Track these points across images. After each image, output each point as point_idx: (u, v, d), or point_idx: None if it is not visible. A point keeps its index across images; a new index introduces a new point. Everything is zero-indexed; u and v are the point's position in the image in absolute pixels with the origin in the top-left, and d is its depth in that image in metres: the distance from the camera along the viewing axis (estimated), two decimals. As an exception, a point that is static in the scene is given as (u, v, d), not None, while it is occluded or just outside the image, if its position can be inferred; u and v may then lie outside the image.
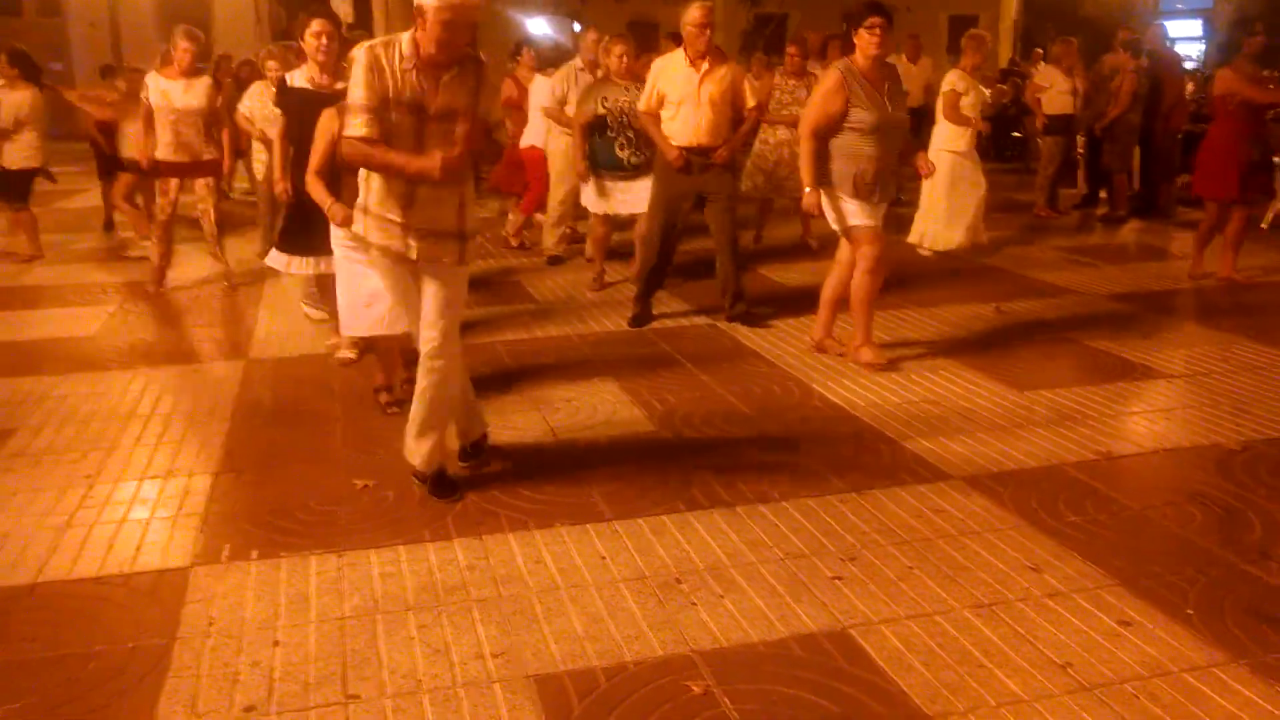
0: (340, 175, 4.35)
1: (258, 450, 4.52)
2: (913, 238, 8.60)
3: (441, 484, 4.01)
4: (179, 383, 5.48)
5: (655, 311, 6.72)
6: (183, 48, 7.01)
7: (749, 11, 23.76)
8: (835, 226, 5.53)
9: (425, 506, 3.90)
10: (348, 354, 5.72)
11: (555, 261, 8.34)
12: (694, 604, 3.18)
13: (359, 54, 3.63)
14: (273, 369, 5.73)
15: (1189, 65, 12.14)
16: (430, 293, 3.82)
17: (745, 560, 3.46)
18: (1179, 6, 26.48)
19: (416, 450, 3.99)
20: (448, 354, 3.86)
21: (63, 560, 3.52)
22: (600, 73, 7.49)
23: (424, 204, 3.72)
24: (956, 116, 8.14)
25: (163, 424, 4.86)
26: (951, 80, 8.24)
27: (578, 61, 8.03)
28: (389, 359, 5.01)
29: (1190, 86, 11.61)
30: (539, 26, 23.07)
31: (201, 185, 7.37)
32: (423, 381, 3.90)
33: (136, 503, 3.99)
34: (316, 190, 4.51)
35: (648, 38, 21.48)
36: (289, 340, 6.29)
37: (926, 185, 8.09)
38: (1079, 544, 3.54)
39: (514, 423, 4.79)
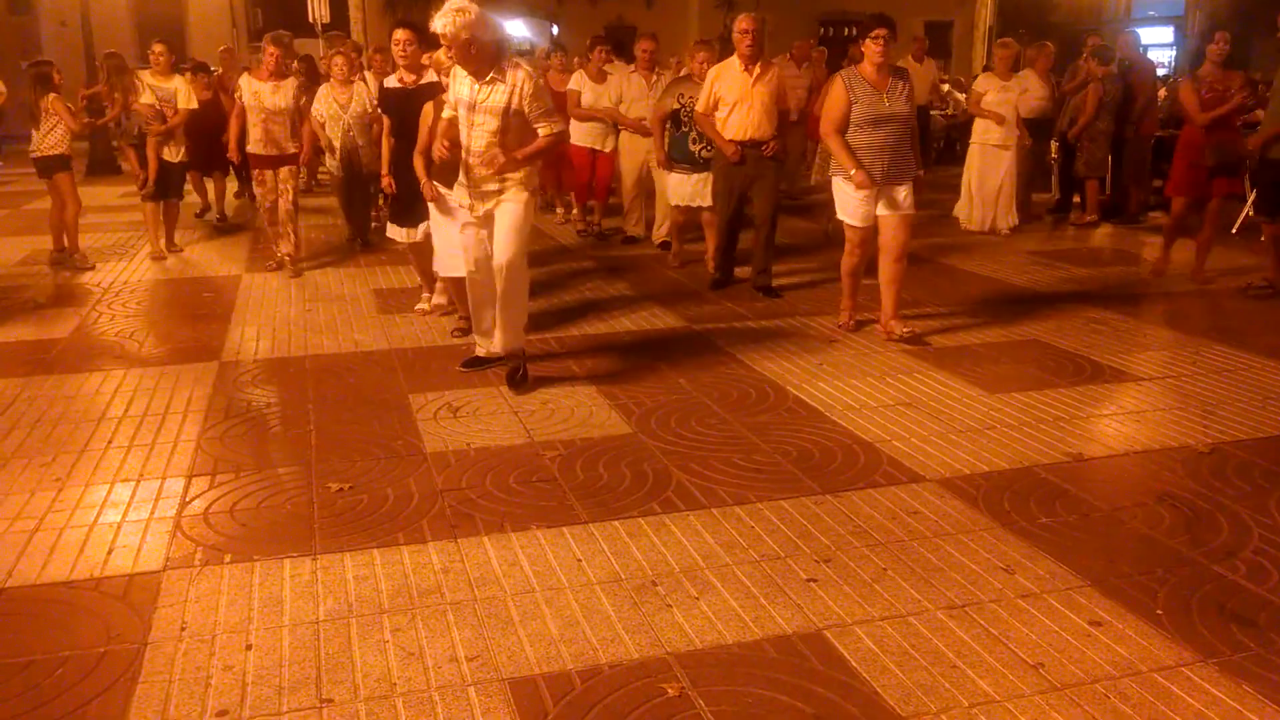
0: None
1: (231, 453, 4.49)
2: (955, 211, 10.16)
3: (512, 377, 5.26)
4: (152, 385, 5.43)
5: (642, 320, 6.75)
6: (269, 52, 7.89)
7: (725, 17, 23.89)
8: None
9: (399, 510, 3.90)
10: (424, 305, 6.84)
11: (630, 241, 9.37)
12: (669, 606, 3.19)
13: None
14: (246, 371, 5.70)
15: (1161, 72, 12.26)
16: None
17: (720, 562, 3.47)
18: (1150, 13, 26.75)
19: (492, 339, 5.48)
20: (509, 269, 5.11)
21: (32, 564, 3.49)
22: (683, 72, 8.48)
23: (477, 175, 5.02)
24: (976, 110, 9.73)
25: (135, 426, 4.82)
26: (977, 81, 10.17)
27: (632, 66, 9.08)
28: (463, 296, 5.98)
29: (1163, 93, 11.72)
30: (516, 29, 23.03)
31: (284, 171, 8.08)
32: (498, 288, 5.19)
33: (108, 506, 3.96)
34: (418, 167, 5.69)
35: (625, 41, 21.52)
36: (262, 342, 6.26)
37: (964, 170, 9.97)
38: (1050, 545, 3.57)
39: (491, 425, 4.78)
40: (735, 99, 6.94)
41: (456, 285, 6.08)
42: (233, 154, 8.52)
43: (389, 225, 6.79)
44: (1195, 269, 7.69)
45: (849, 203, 6.03)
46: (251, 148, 8.01)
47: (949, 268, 8.26)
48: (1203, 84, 7.48)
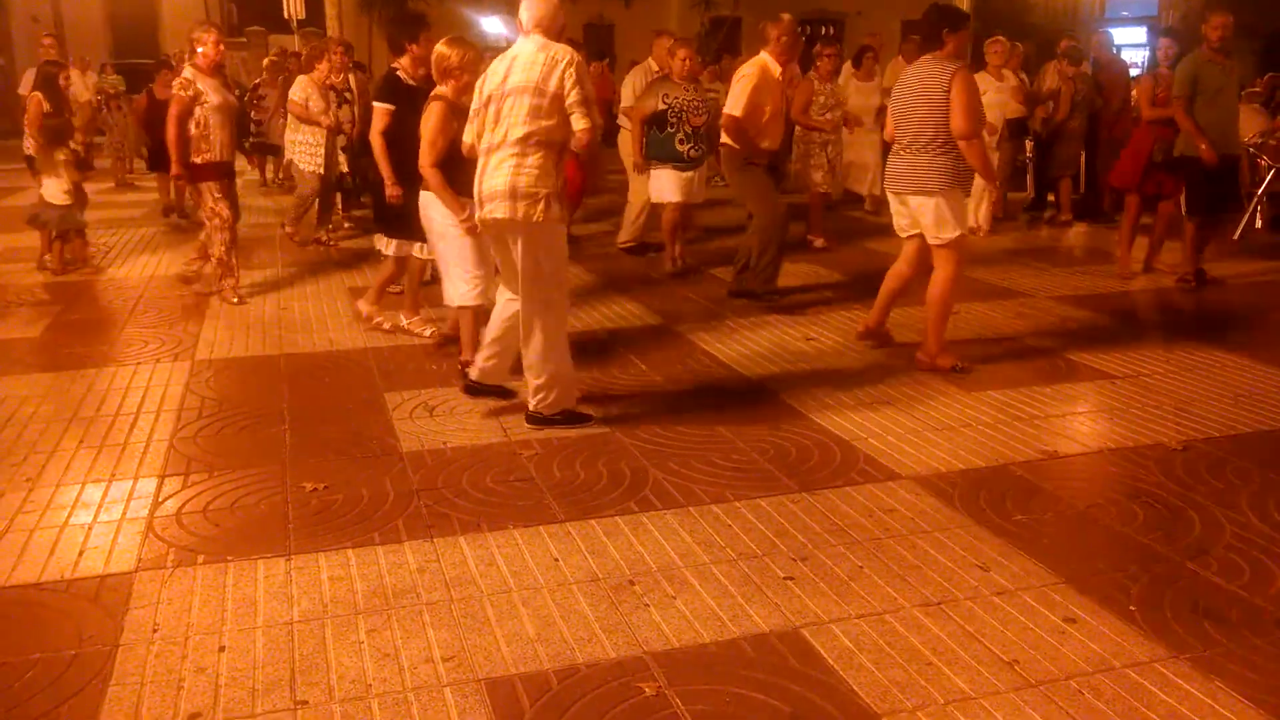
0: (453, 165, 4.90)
1: (204, 453, 4.45)
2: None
3: (573, 417, 4.72)
4: (124, 384, 5.38)
5: (619, 317, 6.75)
6: (212, 42, 6.74)
7: (703, 15, 23.89)
8: (954, 229, 5.40)
9: (374, 509, 3.87)
10: (424, 331, 6.15)
11: (635, 253, 8.81)
12: (646, 605, 3.19)
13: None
14: (220, 370, 5.65)
15: (1134, 72, 12.35)
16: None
17: (698, 561, 3.47)
18: (1124, 14, 27.02)
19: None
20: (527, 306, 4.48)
21: (1, 566, 3.44)
22: (659, 71, 8.19)
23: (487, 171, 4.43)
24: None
25: (107, 426, 4.77)
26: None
27: (651, 63, 8.66)
28: (470, 332, 5.36)
29: (1135, 92, 11.82)
30: (494, 25, 22.99)
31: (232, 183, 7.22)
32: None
33: (79, 507, 3.91)
34: (436, 180, 4.94)
35: (604, 39, 21.53)
36: (236, 341, 6.21)
37: None
38: (1025, 542, 3.59)
39: (467, 424, 4.76)
40: (773, 108, 6.72)
41: (471, 319, 5.34)
42: (176, 167, 6.73)
43: (377, 237, 6.24)
44: (1148, 258, 7.95)
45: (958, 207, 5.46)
46: (210, 155, 6.72)
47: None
48: (1161, 82, 7.62)
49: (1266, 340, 6.19)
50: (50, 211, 7.94)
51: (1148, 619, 3.10)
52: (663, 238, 8.14)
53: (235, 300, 7.07)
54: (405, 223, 5.76)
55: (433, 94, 5.08)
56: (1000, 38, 9.94)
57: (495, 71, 4.45)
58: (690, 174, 7.75)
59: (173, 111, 6.62)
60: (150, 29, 23.34)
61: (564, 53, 4.35)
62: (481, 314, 5.20)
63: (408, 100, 5.64)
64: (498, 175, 4.36)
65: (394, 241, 6.04)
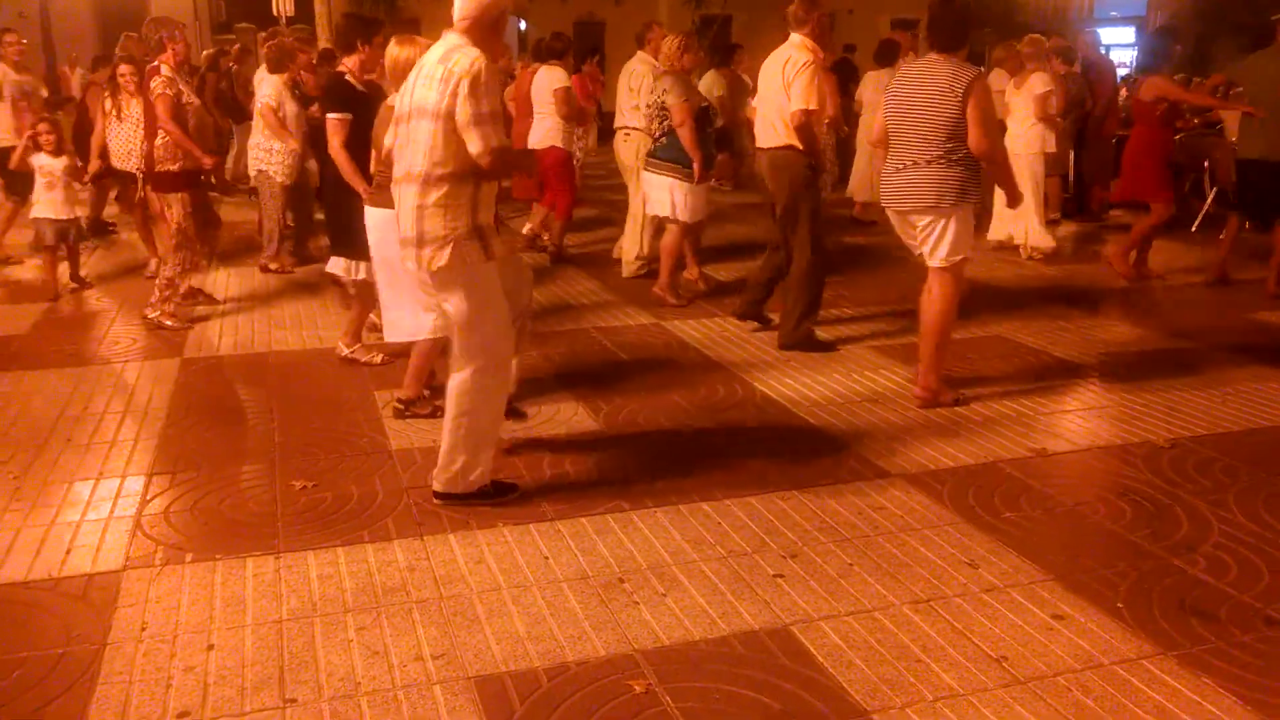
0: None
1: (193, 451, 4.44)
2: (999, 235, 8.75)
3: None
4: (112, 382, 5.36)
5: (610, 316, 6.77)
6: (181, 38, 6.47)
7: (694, 14, 23.87)
8: (961, 250, 4.83)
9: (364, 508, 3.86)
10: (359, 354, 5.66)
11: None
12: (637, 603, 3.19)
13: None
14: (209, 368, 5.63)
15: (1122, 72, 12.41)
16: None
17: (688, 558, 3.47)
18: (1113, 14, 27.08)
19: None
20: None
21: (-12, 565, 3.43)
22: (666, 66, 7.05)
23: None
24: (1049, 116, 8.41)
25: (94, 424, 4.74)
26: (1045, 82, 8.40)
27: (649, 56, 7.81)
28: (423, 364, 4.84)
29: (1124, 92, 11.87)
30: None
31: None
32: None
33: (66, 505, 3.89)
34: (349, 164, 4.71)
35: (594, 37, 21.51)
36: (225, 338, 6.19)
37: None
38: (1014, 540, 3.60)
39: (456, 422, 4.75)
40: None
41: (429, 351, 4.77)
42: (208, 160, 6.33)
43: (335, 261, 5.55)
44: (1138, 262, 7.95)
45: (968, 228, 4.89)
46: (186, 161, 6.21)
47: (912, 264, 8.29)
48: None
49: (1257, 339, 6.23)
50: (41, 226, 7.22)
51: (1135, 616, 3.11)
52: (663, 263, 7.05)
53: (174, 324, 6.38)
54: (350, 237, 5.11)
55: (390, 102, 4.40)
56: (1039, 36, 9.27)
57: (407, 83, 3.71)
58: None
59: (165, 112, 6.08)
60: (139, 25, 23.24)
61: (464, 61, 3.51)
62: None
63: (360, 107, 5.21)
64: (406, 218, 3.66)
65: (359, 264, 5.34)
